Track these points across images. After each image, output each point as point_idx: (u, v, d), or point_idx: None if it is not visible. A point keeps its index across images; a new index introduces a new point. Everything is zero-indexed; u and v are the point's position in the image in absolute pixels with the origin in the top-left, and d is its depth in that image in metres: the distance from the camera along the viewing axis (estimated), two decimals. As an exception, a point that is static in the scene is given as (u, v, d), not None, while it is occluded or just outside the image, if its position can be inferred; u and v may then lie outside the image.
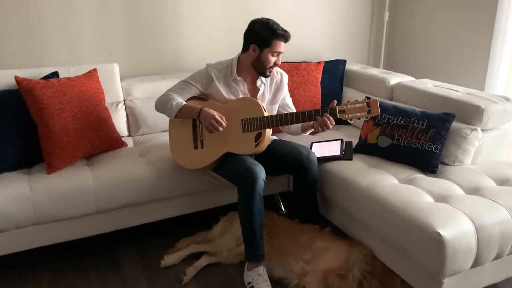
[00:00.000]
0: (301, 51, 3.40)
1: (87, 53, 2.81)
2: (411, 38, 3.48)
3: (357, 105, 2.00)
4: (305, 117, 2.07)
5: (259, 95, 2.26)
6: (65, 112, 2.22)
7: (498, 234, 1.69)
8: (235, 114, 2.13)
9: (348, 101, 2.02)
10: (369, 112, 1.98)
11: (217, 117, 2.08)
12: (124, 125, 2.71)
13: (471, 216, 1.70)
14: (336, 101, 2.05)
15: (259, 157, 2.20)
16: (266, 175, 2.08)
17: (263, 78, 2.28)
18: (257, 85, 2.27)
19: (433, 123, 2.16)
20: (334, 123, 2.04)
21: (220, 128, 2.08)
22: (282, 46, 2.14)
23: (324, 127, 2.04)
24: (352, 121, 2.02)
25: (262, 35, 2.11)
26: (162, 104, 2.20)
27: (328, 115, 2.02)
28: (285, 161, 2.23)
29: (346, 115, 2.01)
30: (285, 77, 2.38)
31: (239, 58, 2.24)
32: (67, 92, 2.26)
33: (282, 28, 2.12)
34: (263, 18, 2.16)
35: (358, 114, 2.00)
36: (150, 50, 2.98)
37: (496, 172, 2.10)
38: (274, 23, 2.13)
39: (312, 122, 2.13)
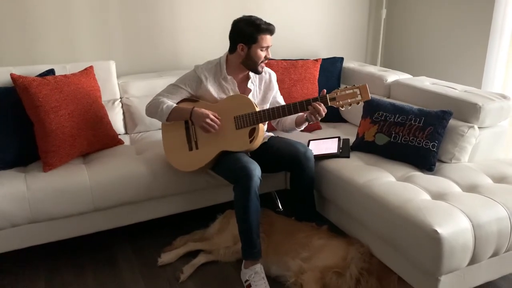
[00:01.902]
0: (298, 48, 3.40)
1: (83, 50, 2.79)
2: (409, 36, 3.48)
3: (347, 92, 2.01)
4: (296, 108, 2.07)
5: (249, 96, 2.26)
6: (61, 110, 2.20)
7: (495, 232, 1.69)
8: (227, 112, 2.13)
9: (338, 89, 2.04)
10: (360, 97, 1.99)
11: (211, 115, 2.08)
12: (121, 122, 2.70)
13: (468, 213, 1.70)
14: (325, 90, 2.07)
15: (256, 155, 2.20)
16: (264, 173, 2.08)
17: (252, 79, 2.28)
18: (248, 85, 2.27)
19: (430, 120, 2.16)
20: (326, 110, 2.04)
21: (216, 127, 2.08)
22: (268, 39, 2.14)
23: (316, 115, 2.04)
24: (344, 108, 2.03)
25: (248, 33, 2.11)
26: (152, 108, 2.19)
27: (319, 102, 2.03)
28: (282, 158, 2.22)
29: (337, 102, 2.03)
30: (274, 75, 2.39)
31: (227, 57, 2.24)
32: (63, 89, 2.25)
33: (265, 22, 2.12)
34: (244, 16, 2.15)
35: (349, 100, 2.01)
36: (147, 47, 2.96)
37: (493, 170, 2.10)
38: (257, 18, 2.13)
39: (305, 115, 2.14)
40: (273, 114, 2.09)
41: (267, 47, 2.15)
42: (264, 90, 2.34)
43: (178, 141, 2.22)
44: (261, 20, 2.12)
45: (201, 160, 2.17)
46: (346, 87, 2.03)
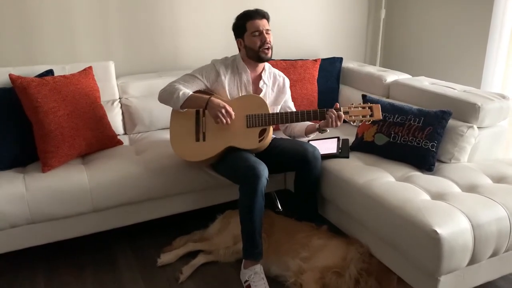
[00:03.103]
0: (298, 48, 3.39)
1: (82, 51, 2.79)
2: (408, 36, 3.48)
3: (360, 108, 2.07)
4: (310, 116, 2.10)
5: (261, 95, 2.27)
6: (60, 110, 2.20)
7: (494, 232, 1.69)
8: (240, 110, 2.14)
9: (352, 104, 2.09)
10: (371, 115, 2.05)
11: (228, 108, 2.09)
12: (120, 123, 2.70)
13: (467, 214, 1.70)
14: (338, 103, 2.10)
15: (260, 155, 2.19)
16: (269, 173, 2.07)
17: (266, 79, 2.28)
18: (260, 85, 2.28)
19: (430, 120, 2.16)
20: (341, 121, 2.07)
21: (229, 120, 2.09)
22: (258, 23, 2.14)
23: (333, 122, 2.04)
24: (355, 124, 2.09)
25: (237, 26, 2.20)
26: (167, 94, 2.18)
27: (333, 111, 2.05)
28: (290, 158, 2.22)
29: (350, 117, 2.08)
30: (287, 81, 2.42)
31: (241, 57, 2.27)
32: (62, 90, 2.24)
33: (252, 9, 2.17)
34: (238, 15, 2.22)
35: (361, 117, 2.07)
36: (146, 48, 2.96)
37: (493, 170, 2.11)
38: (246, 10, 2.18)
39: (317, 125, 2.17)
40: (286, 118, 2.11)
41: (260, 32, 2.14)
42: (276, 93, 2.36)
43: (186, 130, 2.21)
44: (249, 9, 2.17)
45: (206, 152, 2.17)
46: (360, 104, 2.09)
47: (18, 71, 2.33)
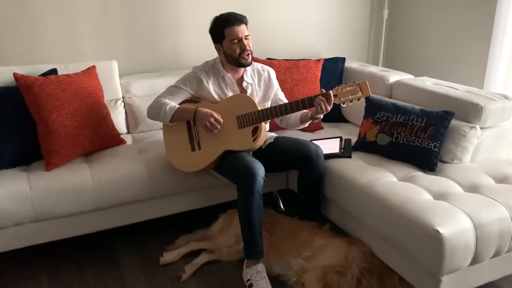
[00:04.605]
0: (300, 48, 3.40)
1: (85, 50, 2.80)
2: (411, 36, 3.47)
3: (348, 88, 2.04)
4: (298, 106, 2.08)
5: (247, 95, 2.26)
6: (63, 109, 2.21)
7: (496, 232, 1.69)
8: (229, 112, 2.13)
9: (339, 85, 2.06)
10: (360, 93, 2.02)
11: (215, 115, 2.08)
12: (123, 122, 2.70)
13: (469, 213, 1.70)
14: (324, 90, 2.07)
15: (262, 154, 2.20)
16: (269, 172, 2.07)
17: (248, 79, 2.28)
18: (243, 86, 2.27)
19: (432, 121, 2.16)
20: (331, 104, 2.04)
21: (219, 127, 2.09)
22: (237, 30, 2.10)
23: (323, 107, 2.03)
24: (345, 105, 2.05)
25: (215, 32, 2.15)
26: (154, 111, 2.18)
27: (321, 97, 2.03)
28: (292, 156, 2.22)
29: (339, 99, 2.05)
30: (272, 72, 2.38)
31: (220, 59, 2.25)
32: (66, 89, 2.25)
33: (229, 14, 2.12)
34: (214, 18, 2.17)
35: (350, 97, 2.04)
36: (149, 47, 2.97)
37: (495, 170, 2.10)
38: (223, 14, 2.14)
39: (310, 113, 2.16)
40: (275, 112, 2.10)
41: (239, 39, 2.11)
42: (264, 88, 2.34)
43: (180, 142, 2.22)
44: (227, 14, 2.13)
45: (204, 160, 2.17)
46: (347, 83, 2.05)
47: (22, 70, 2.35)
